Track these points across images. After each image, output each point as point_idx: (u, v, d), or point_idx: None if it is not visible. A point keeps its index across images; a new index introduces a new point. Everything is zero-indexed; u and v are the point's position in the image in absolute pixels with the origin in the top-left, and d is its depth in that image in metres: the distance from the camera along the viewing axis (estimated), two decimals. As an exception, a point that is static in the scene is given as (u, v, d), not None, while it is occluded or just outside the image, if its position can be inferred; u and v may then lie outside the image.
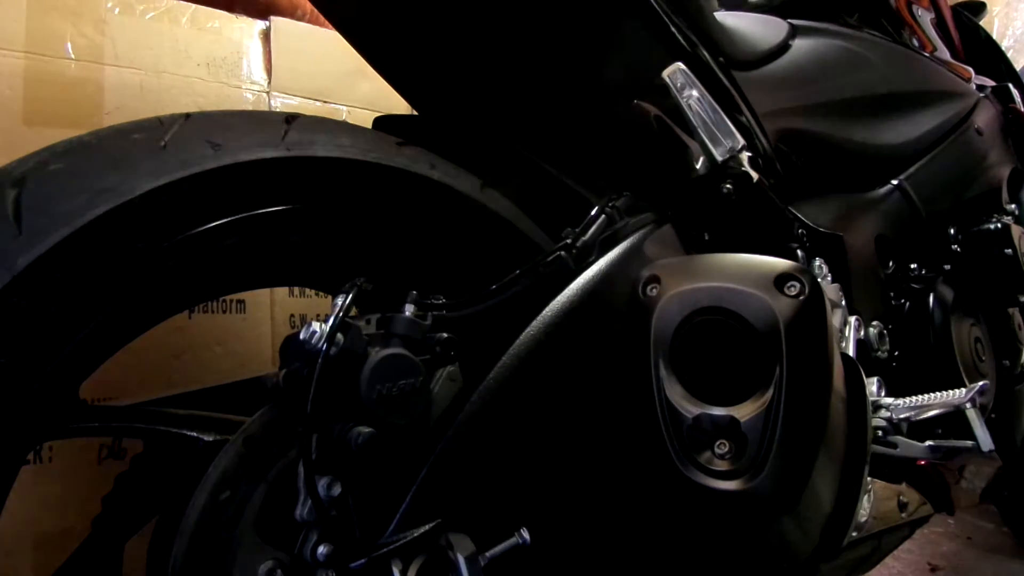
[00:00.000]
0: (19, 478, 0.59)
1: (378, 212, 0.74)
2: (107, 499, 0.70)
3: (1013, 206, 1.51)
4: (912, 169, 1.30)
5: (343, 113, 1.41)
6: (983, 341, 1.28)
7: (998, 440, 1.03)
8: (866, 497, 0.84)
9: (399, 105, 1.08)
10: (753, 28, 1.17)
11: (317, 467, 0.63)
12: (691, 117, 0.87)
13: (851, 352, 0.94)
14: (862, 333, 1.01)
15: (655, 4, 0.91)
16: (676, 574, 0.84)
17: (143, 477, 0.68)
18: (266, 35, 1.34)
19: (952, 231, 1.33)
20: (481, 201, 0.81)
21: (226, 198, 0.64)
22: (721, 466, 0.70)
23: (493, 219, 0.82)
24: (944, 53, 1.53)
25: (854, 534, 0.81)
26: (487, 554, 0.66)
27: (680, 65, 0.87)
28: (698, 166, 0.88)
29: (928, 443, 0.88)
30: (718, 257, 0.76)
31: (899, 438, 0.88)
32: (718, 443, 0.70)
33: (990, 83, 1.63)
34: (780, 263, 0.73)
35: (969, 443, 0.85)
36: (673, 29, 0.93)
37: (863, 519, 0.84)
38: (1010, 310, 1.39)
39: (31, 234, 0.54)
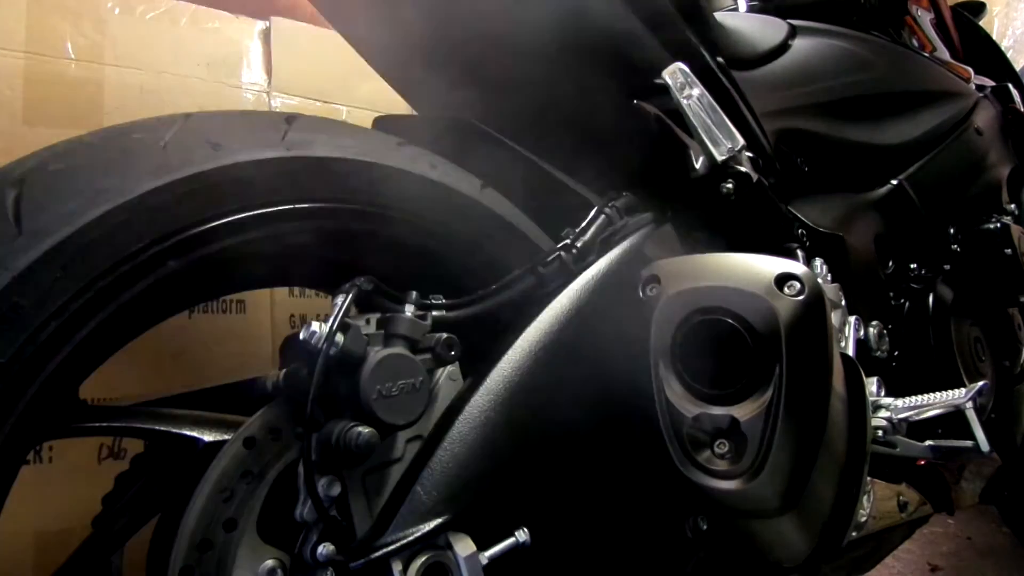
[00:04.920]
0: (19, 478, 0.59)
1: (378, 212, 0.74)
2: (107, 499, 0.70)
3: (1013, 206, 1.51)
4: (912, 169, 1.30)
5: (343, 113, 1.41)
6: (983, 341, 1.28)
7: (998, 440, 1.03)
8: (866, 497, 0.84)
9: (399, 105, 1.08)
10: (753, 28, 1.17)
11: (317, 467, 0.63)
12: (691, 117, 0.87)
13: (851, 352, 0.94)
14: (862, 333, 1.00)
15: (655, 4, 0.91)
16: (676, 573, 0.84)
17: (143, 477, 0.68)
18: (266, 35, 1.34)
19: (952, 231, 1.33)
20: (481, 201, 0.81)
21: (226, 198, 0.64)
22: (721, 466, 0.70)
23: (493, 219, 0.82)
24: (944, 53, 1.53)
25: (854, 534, 0.81)
26: (487, 554, 0.66)
27: (680, 65, 0.87)
28: (698, 166, 0.88)
29: (928, 443, 0.88)
30: (718, 257, 0.76)
31: (899, 438, 0.88)
32: (718, 443, 0.70)
33: (990, 83, 1.63)
34: (780, 263, 0.73)
35: (969, 443, 0.85)
36: (673, 29, 0.93)
37: (863, 519, 0.84)
38: (1010, 310, 1.39)
39: (31, 234, 0.54)
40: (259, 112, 1.27)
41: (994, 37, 2.05)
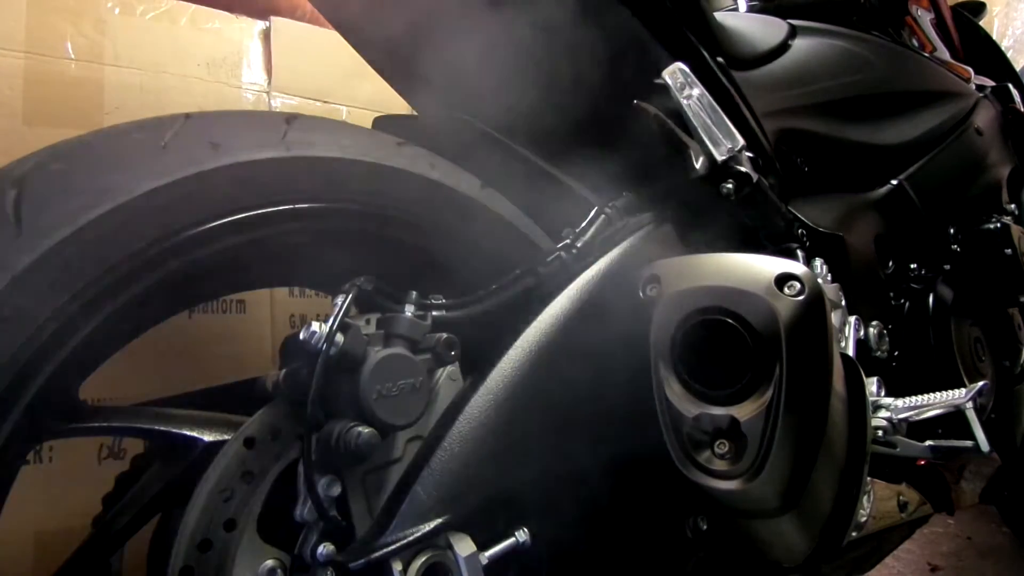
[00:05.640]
0: (19, 478, 0.59)
1: (378, 212, 0.74)
2: (107, 499, 0.70)
3: (1013, 206, 1.51)
4: (912, 169, 1.30)
5: (343, 113, 1.41)
6: (983, 341, 1.28)
7: (998, 440, 1.03)
8: (866, 497, 0.84)
9: (399, 105, 1.08)
10: (753, 28, 1.17)
11: (317, 467, 0.63)
12: (691, 117, 0.87)
13: (851, 352, 0.94)
14: (862, 333, 1.00)
15: (655, 4, 0.91)
16: (676, 573, 0.84)
17: (143, 477, 0.68)
18: (266, 35, 1.34)
19: (952, 231, 1.33)
20: (481, 201, 0.81)
21: (226, 198, 0.64)
22: (721, 466, 0.70)
23: (493, 219, 0.82)
24: (944, 53, 1.53)
25: (854, 534, 0.81)
26: (487, 554, 0.66)
27: (680, 65, 0.87)
28: (698, 166, 0.88)
29: (928, 443, 0.88)
30: (718, 257, 0.76)
31: (899, 438, 0.88)
32: (718, 443, 0.70)
33: (990, 83, 1.63)
34: (780, 263, 0.73)
35: (969, 443, 0.85)
36: (673, 29, 0.93)
37: (863, 519, 0.84)
38: (1010, 310, 1.38)
39: (31, 234, 0.54)
40: (259, 112, 1.27)
41: (994, 37, 2.05)
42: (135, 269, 0.59)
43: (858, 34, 1.30)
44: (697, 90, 0.87)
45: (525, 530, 0.69)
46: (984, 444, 0.84)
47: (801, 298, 0.70)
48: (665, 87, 0.86)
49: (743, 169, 0.89)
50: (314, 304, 1.30)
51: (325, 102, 1.39)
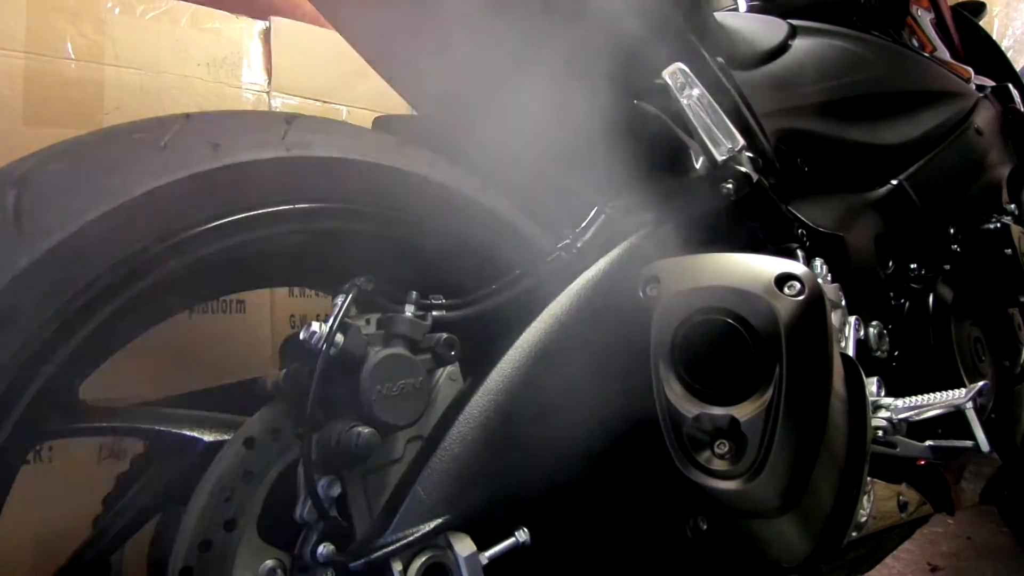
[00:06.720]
0: (19, 478, 0.59)
1: (378, 212, 0.74)
2: (107, 499, 0.70)
3: (1013, 206, 1.51)
4: (912, 169, 1.30)
5: (343, 113, 1.41)
6: (983, 341, 1.28)
7: (998, 440, 1.03)
8: (866, 497, 0.84)
9: (399, 105, 1.07)
10: (753, 28, 1.17)
11: (317, 467, 0.63)
12: (691, 117, 0.87)
13: (851, 352, 0.94)
14: (862, 333, 1.00)
15: (655, 4, 0.91)
16: (676, 573, 0.84)
17: (143, 477, 0.68)
18: (266, 35, 1.34)
19: (952, 231, 1.33)
20: (481, 201, 0.81)
21: (226, 198, 0.64)
22: (721, 466, 0.70)
23: (493, 219, 0.82)
24: (944, 53, 1.53)
25: (854, 534, 0.81)
26: (487, 554, 0.66)
27: (680, 65, 0.87)
28: (698, 166, 0.88)
29: (928, 443, 0.88)
30: (718, 257, 0.76)
31: (899, 438, 0.88)
32: (718, 443, 0.70)
33: (990, 83, 1.63)
34: (780, 263, 0.73)
35: (969, 443, 0.85)
36: (673, 29, 0.93)
37: (863, 519, 0.84)
38: (1010, 310, 1.39)
39: (31, 234, 0.54)
40: (259, 112, 1.27)
41: (994, 37, 2.05)
42: (135, 269, 0.59)
43: (858, 34, 1.30)
44: (697, 90, 0.87)
45: (525, 530, 0.70)
46: (984, 444, 0.84)
47: (801, 298, 0.70)
48: (665, 87, 0.86)
49: (743, 169, 0.89)
50: (314, 304, 1.29)
51: (325, 102, 1.39)
